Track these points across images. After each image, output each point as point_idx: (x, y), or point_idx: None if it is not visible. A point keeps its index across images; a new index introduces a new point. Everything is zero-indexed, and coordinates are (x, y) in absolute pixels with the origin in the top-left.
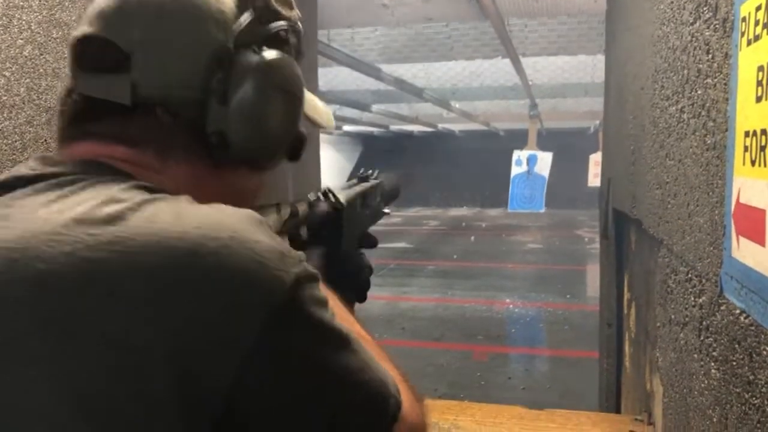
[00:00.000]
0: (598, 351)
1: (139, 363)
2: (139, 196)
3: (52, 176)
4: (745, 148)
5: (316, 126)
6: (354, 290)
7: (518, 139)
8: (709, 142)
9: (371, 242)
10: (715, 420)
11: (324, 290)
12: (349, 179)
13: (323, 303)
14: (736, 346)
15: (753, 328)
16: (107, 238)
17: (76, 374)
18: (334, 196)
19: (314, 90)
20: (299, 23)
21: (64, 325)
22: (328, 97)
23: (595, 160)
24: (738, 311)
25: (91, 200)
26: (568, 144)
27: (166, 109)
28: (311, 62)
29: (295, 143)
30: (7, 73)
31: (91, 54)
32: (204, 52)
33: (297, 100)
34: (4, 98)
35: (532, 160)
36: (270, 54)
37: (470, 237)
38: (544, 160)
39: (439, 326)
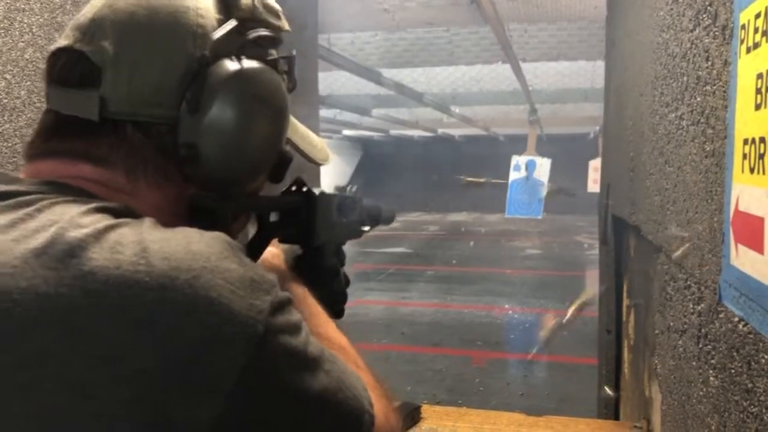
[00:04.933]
0: (597, 357)
1: (102, 409)
2: (101, 221)
3: (7, 196)
4: (744, 156)
5: (312, 162)
6: (329, 300)
7: (518, 145)
8: (708, 149)
9: (341, 259)
10: (713, 428)
11: (296, 294)
12: (348, 184)
13: (296, 328)
14: (735, 354)
15: (751, 336)
16: (68, 273)
17: (31, 422)
18: (306, 185)
19: (314, 94)
20: (290, 47)
21: (15, 368)
22: (328, 102)
23: (595, 165)
24: (737, 319)
25: (49, 226)
26: (567, 149)
27: (136, 127)
28: (312, 66)
29: (279, 162)
30: (8, 76)
31: (61, 67)
32: (178, 69)
33: (278, 113)
34: (5, 101)
35: (530, 166)
36: (249, 62)
37: (469, 242)
38: (543, 166)
39: (438, 331)
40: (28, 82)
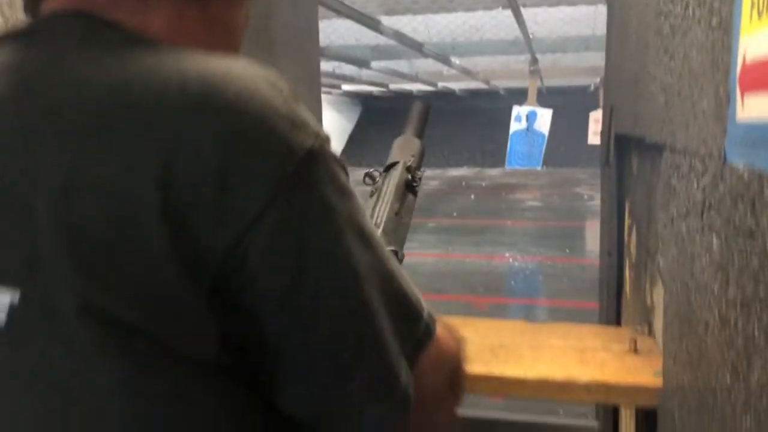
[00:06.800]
0: (598, 280)
1: (136, 214)
2: (136, 48)
3: (32, 34)
4: (752, 5)
5: None
6: None
7: (518, 98)
8: (714, 22)
9: None
10: (716, 289)
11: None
12: (349, 142)
13: (343, 190)
14: (739, 201)
15: (756, 177)
16: (107, 82)
17: (75, 224)
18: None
19: (315, 44)
20: None
21: (60, 174)
22: (326, 53)
23: (595, 117)
24: (741, 170)
25: (92, 50)
26: (568, 102)
27: None
28: (311, 14)
29: None
30: None
31: None
32: None
33: None
34: None
35: (531, 117)
36: None
37: (470, 195)
38: (544, 117)
39: (440, 279)
40: None
